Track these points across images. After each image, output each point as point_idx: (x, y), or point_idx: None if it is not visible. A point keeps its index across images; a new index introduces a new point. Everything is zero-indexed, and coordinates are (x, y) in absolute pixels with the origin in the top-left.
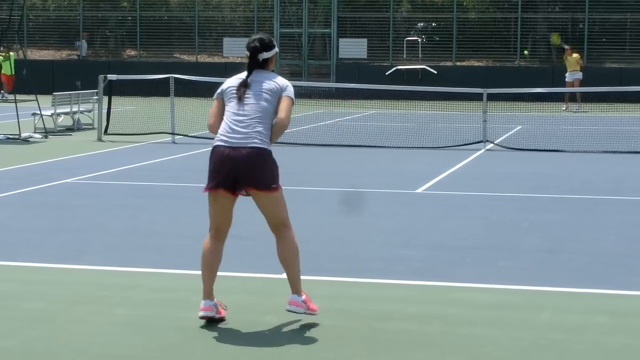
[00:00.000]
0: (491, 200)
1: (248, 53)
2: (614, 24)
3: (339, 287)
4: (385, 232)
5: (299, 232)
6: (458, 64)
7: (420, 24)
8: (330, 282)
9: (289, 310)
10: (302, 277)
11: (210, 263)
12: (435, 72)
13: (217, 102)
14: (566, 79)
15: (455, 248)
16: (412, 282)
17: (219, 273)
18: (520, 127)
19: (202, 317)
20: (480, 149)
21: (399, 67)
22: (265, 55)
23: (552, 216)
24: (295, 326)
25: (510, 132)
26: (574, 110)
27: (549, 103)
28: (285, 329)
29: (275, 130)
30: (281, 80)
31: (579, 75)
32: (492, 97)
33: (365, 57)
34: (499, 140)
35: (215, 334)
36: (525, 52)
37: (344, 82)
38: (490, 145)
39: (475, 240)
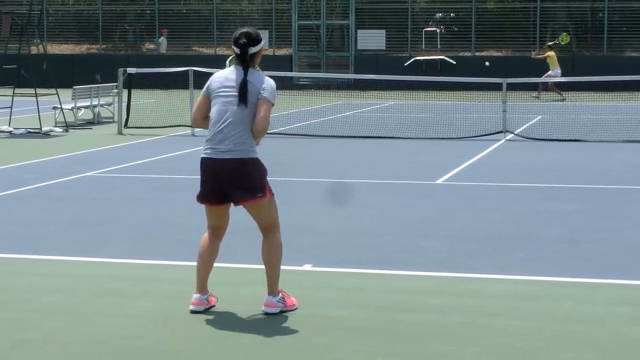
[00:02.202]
0: (511, 191)
1: (237, 50)
2: (634, 12)
3: (359, 278)
4: (405, 224)
5: (320, 223)
6: (477, 54)
7: (439, 15)
8: (351, 274)
9: (265, 312)
10: (324, 269)
11: (206, 260)
12: (454, 63)
13: (203, 99)
14: (553, 74)
15: (475, 239)
16: (432, 273)
17: (240, 265)
18: (540, 117)
19: (192, 311)
20: (500, 140)
21: (417, 58)
22: (252, 49)
23: (573, 206)
24: (316, 318)
25: (530, 122)
26: (559, 99)
27: (569, 92)
28: (306, 321)
29: (254, 134)
30: (260, 82)
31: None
32: (511, 87)
33: (384, 48)
34: (519, 130)
35: (235, 325)
36: (486, 62)
37: (362, 74)
38: (510, 136)
39: (495, 231)
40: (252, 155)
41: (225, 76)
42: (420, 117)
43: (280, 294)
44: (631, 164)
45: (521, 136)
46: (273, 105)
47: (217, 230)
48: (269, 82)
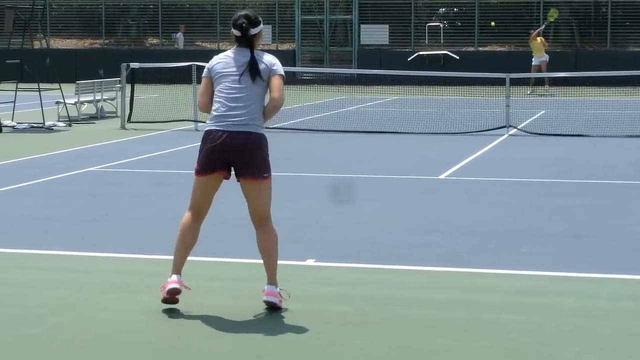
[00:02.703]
0: (514, 186)
1: (237, 32)
2: (638, 7)
3: (362, 273)
4: (408, 219)
5: (323, 218)
6: (480, 49)
7: (442, 9)
8: (354, 269)
9: (266, 302)
10: (327, 264)
11: (188, 243)
12: (458, 58)
13: (205, 81)
14: (533, 63)
15: (478, 234)
16: (435, 268)
17: (244, 260)
18: (543, 111)
19: (172, 290)
20: (503, 134)
21: (420, 53)
22: (253, 30)
23: (576, 201)
24: (319, 313)
25: (534, 117)
26: (541, 94)
27: (573, 87)
28: (309, 316)
29: (268, 110)
30: (268, 59)
31: (546, 57)
32: (515, 82)
33: (387, 43)
34: (522, 125)
35: (239, 320)
36: (493, 23)
37: (365, 69)
38: (513, 131)
39: (498, 226)
40: (263, 132)
41: (228, 56)
42: (423, 112)
43: (278, 287)
44: (634, 159)
45: (524, 131)
46: (284, 79)
47: (199, 213)
48: (276, 59)
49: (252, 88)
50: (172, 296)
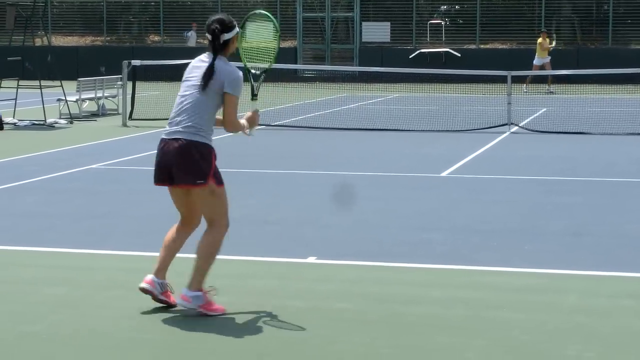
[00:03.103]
0: (516, 184)
1: (209, 36)
2: (639, 5)
3: (363, 271)
4: (409, 216)
5: (324, 216)
6: (482, 46)
7: (444, 7)
8: (354, 266)
9: (178, 304)
10: (328, 261)
11: (167, 245)
12: (459, 55)
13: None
14: (535, 62)
15: (480, 231)
16: (436, 265)
17: (246, 257)
18: (545, 109)
19: (141, 289)
20: (505, 132)
21: (422, 50)
22: (226, 36)
23: (577, 199)
24: (319, 311)
25: (535, 115)
26: (546, 92)
27: (574, 85)
28: (309, 314)
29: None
30: (229, 73)
31: (548, 59)
32: (516, 80)
33: (389, 40)
34: (523, 122)
35: (239, 317)
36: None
37: (367, 66)
38: (515, 128)
39: (500, 224)
40: (199, 139)
41: (197, 60)
42: (425, 109)
43: (199, 292)
44: (636, 156)
45: (526, 129)
46: (238, 97)
47: (183, 218)
48: (235, 75)
49: (199, 97)
50: (144, 292)
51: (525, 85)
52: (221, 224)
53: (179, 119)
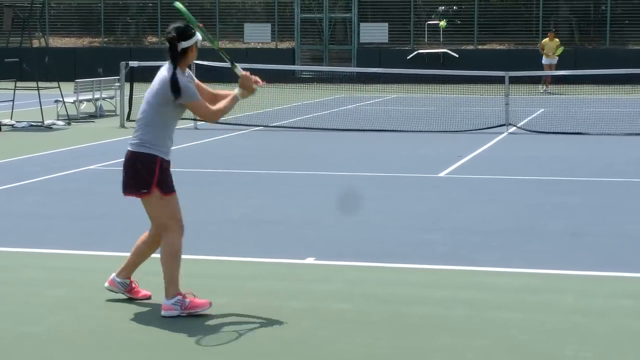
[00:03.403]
0: (514, 184)
1: (167, 44)
2: (637, 6)
3: (363, 271)
4: (408, 217)
5: (323, 217)
6: (480, 47)
7: (442, 8)
8: (355, 267)
9: (164, 317)
10: (327, 262)
11: (138, 245)
12: (457, 56)
13: None
14: (543, 62)
15: (479, 232)
16: (436, 266)
17: (244, 258)
18: (542, 109)
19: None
20: (502, 132)
21: (420, 51)
22: (184, 44)
23: (576, 199)
24: (320, 312)
25: (533, 115)
26: (548, 92)
27: (572, 85)
28: (310, 315)
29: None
30: (161, 82)
31: (555, 60)
32: (514, 80)
33: (387, 41)
34: (521, 123)
35: (239, 319)
36: (442, 23)
37: (365, 67)
38: (512, 129)
39: (499, 224)
40: (143, 150)
41: (162, 69)
42: (423, 110)
43: (179, 295)
44: (633, 156)
45: (524, 129)
46: (195, 100)
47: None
48: (186, 84)
49: (143, 107)
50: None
51: (545, 85)
52: (171, 228)
53: (134, 130)
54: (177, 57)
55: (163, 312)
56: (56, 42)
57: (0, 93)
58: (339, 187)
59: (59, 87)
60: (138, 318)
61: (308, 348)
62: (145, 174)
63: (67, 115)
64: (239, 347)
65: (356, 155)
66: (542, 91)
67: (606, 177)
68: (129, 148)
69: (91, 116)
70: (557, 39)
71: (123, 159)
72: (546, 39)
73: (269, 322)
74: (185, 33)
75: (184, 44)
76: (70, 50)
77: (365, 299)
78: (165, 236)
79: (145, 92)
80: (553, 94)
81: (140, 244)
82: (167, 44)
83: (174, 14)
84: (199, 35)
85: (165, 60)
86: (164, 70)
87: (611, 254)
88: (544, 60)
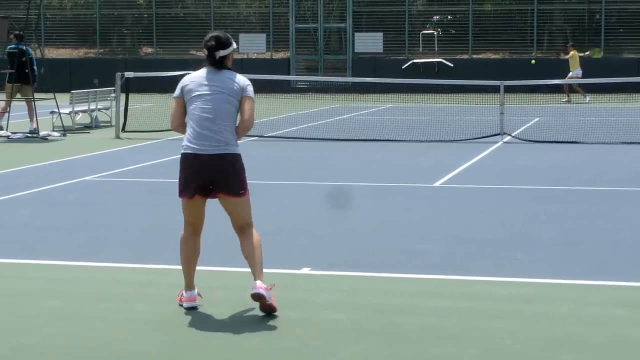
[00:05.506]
0: (509, 193)
1: (205, 52)
2: (631, 14)
3: (357, 281)
4: (402, 226)
5: (317, 227)
6: (474, 56)
7: (436, 17)
8: (349, 277)
9: (255, 294)
10: (322, 272)
11: (191, 257)
12: (452, 65)
13: (176, 102)
14: (574, 75)
15: (473, 241)
16: (429, 275)
17: (240, 269)
18: (537, 119)
19: (187, 308)
20: (497, 142)
21: (415, 61)
22: (222, 52)
23: (570, 208)
24: (314, 321)
25: (528, 124)
26: (586, 101)
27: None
28: (304, 324)
29: (238, 131)
30: (241, 80)
31: (578, 72)
32: (509, 90)
33: (381, 51)
34: (516, 132)
35: (234, 329)
36: (533, 61)
37: (360, 77)
38: (507, 138)
39: (493, 233)
40: (238, 152)
41: (201, 76)
42: (417, 119)
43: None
44: (628, 166)
45: (519, 138)
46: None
47: (196, 227)
48: (248, 82)
49: (226, 107)
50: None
51: (583, 95)
52: (252, 222)
53: (215, 133)
54: (218, 63)
55: (258, 291)
56: (52, 53)
57: None
58: (333, 197)
59: (54, 98)
60: (133, 329)
61: (302, 358)
62: (243, 174)
63: (63, 126)
64: (233, 357)
65: (351, 165)
66: (565, 100)
67: (601, 186)
68: (230, 151)
69: (87, 127)
70: (574, 51)
71: (204, 163)
72: (574, 52)
73: (265, 333)
74: (224, 42)
75: (221, 53)
76: (65, 61)
77: (360, 308)
78: (253, 230)
79: (213, 94)
80: (581, 103)
81: (192, 255)
82: (206, 51)
83: (169, 25)
84: (234, 45)
85: (159, 71)
86: (227, 72)
87: (606, 263)
88: (575, 74)
